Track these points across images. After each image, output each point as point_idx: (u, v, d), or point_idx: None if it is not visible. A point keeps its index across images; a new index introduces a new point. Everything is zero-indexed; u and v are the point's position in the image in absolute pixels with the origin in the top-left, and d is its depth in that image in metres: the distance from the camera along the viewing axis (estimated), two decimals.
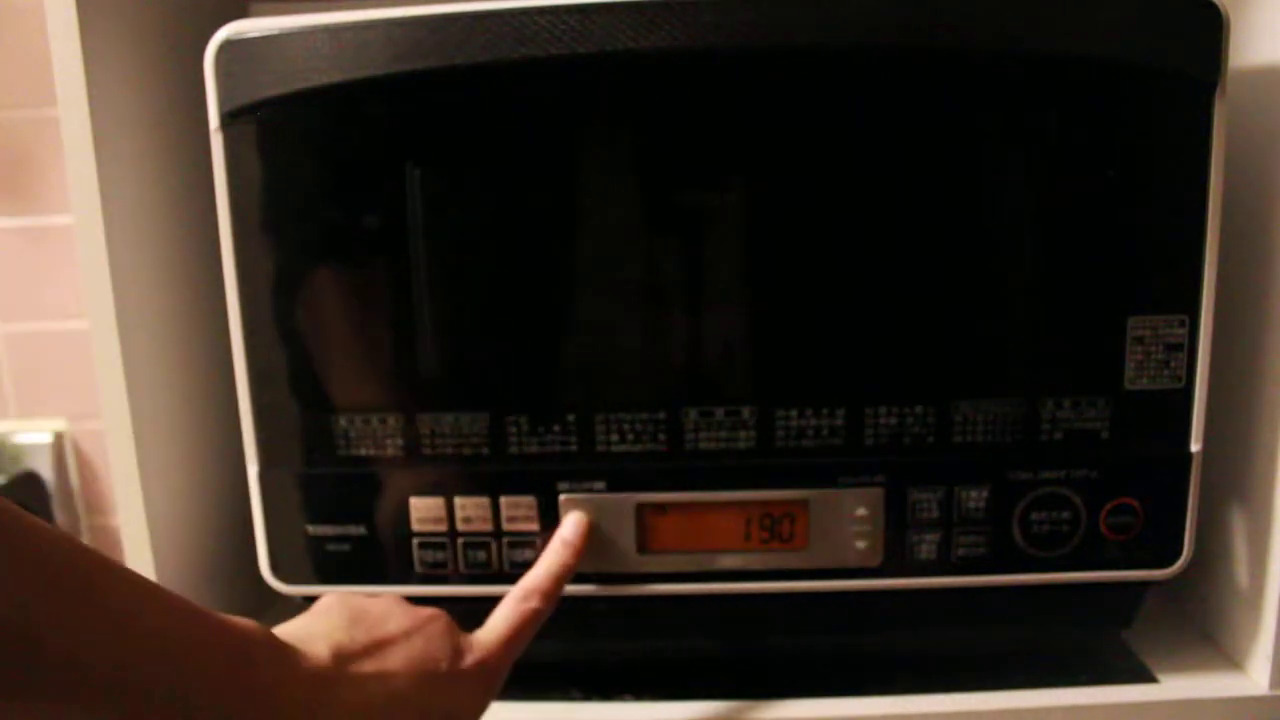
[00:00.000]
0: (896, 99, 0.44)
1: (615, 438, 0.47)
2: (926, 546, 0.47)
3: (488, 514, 0.48)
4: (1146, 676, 0.50)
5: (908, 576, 0.48)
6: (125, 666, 0.28)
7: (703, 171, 0.45)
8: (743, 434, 0.46)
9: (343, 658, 0.35)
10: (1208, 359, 0.45)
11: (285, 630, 0.36)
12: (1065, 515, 0.47)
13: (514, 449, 0.47)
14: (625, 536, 0.47)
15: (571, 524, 0.47)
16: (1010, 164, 0.45)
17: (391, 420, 0.47)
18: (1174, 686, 0.50)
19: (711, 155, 0.45)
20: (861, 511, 0.47)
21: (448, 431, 0.47)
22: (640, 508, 0.47)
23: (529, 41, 0.43)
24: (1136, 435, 0.46)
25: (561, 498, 0.47)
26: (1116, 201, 0.44)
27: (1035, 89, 0.44)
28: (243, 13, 0.64)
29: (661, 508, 0.47)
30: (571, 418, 0.47)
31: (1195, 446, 0.46)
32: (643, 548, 0.48)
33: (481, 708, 0.40)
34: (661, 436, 0.47)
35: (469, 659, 0.39)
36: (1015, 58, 0.43)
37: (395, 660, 0.36)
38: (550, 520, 0.47)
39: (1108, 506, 0.47)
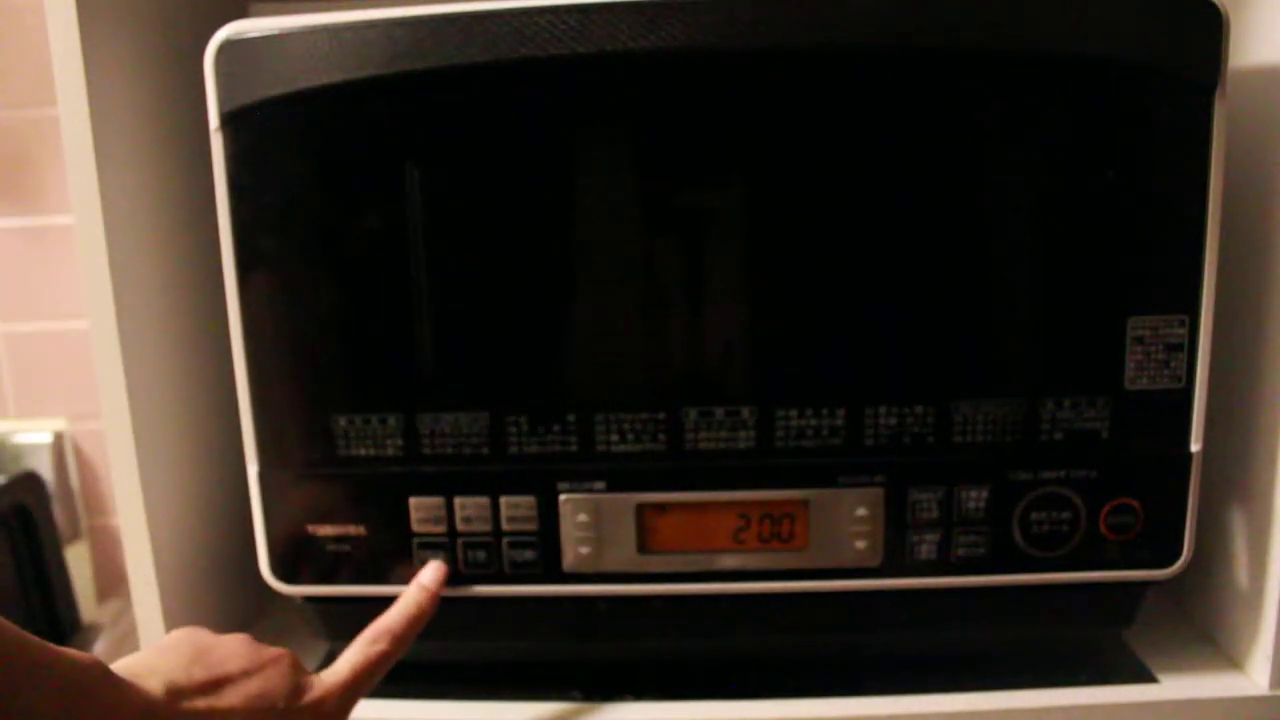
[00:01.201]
0: (896, 99, 0.44)
1: (615, 438, 0.47)
2: (926, 546, 0.47)
3: (487, 514, 0.48)
4: (1146, 676, 0.50)
5: (908, 576, 0.48)
6: None
7: (703, 172, 0.45)
8: (742, 434, 0.46)
9: (177, 694, 0.35)
10: (1208, 359, 0.45)
11: (124, 665, 0.36)
12: (1065, 515, 0.47)
13: (514, 449, 0.47)
14: (625, 536, 0.47)
15: (431, 571, 0.47)
16: (1010, 164, 0.45)
17: (391, 420, 0.47)
18: (1174, 686, 0.50)
19: (711, 155, 0.45)
20: (861, 511, 0.47)
21: (448, 431, 0.47)
22: (640, 508, 0.47)
23: (529, 41, 0.43)
24: (1136, 435, 0.46)
25: (561, 498, 0.47)
26: (1116, 201, 0.44)
27: (1035, 89, 0.44)
28: (243, 13, 0.64)
29: (662, 508, 0.47)
30: (571, 418, 0.47)
31: (1195, 446, 0.46)
32: (643, 548, 0.48)
33: None
34: (661, 436, 0.47)
35: (307, 699, 0.40)
36: (1015, 58, 0.43)
37: (230, 699, 0.37)
38: (550, 520, 0.47)
39: (1108, 506, 0.47)
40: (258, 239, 0.46)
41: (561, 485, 0.47)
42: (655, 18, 0.42)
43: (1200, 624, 0.55)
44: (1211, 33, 0.42)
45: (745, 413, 0.46)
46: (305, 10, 0.44)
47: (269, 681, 0.39)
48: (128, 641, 0.72)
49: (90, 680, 0.33)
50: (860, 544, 0.47)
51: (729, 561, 0.48)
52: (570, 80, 0.44)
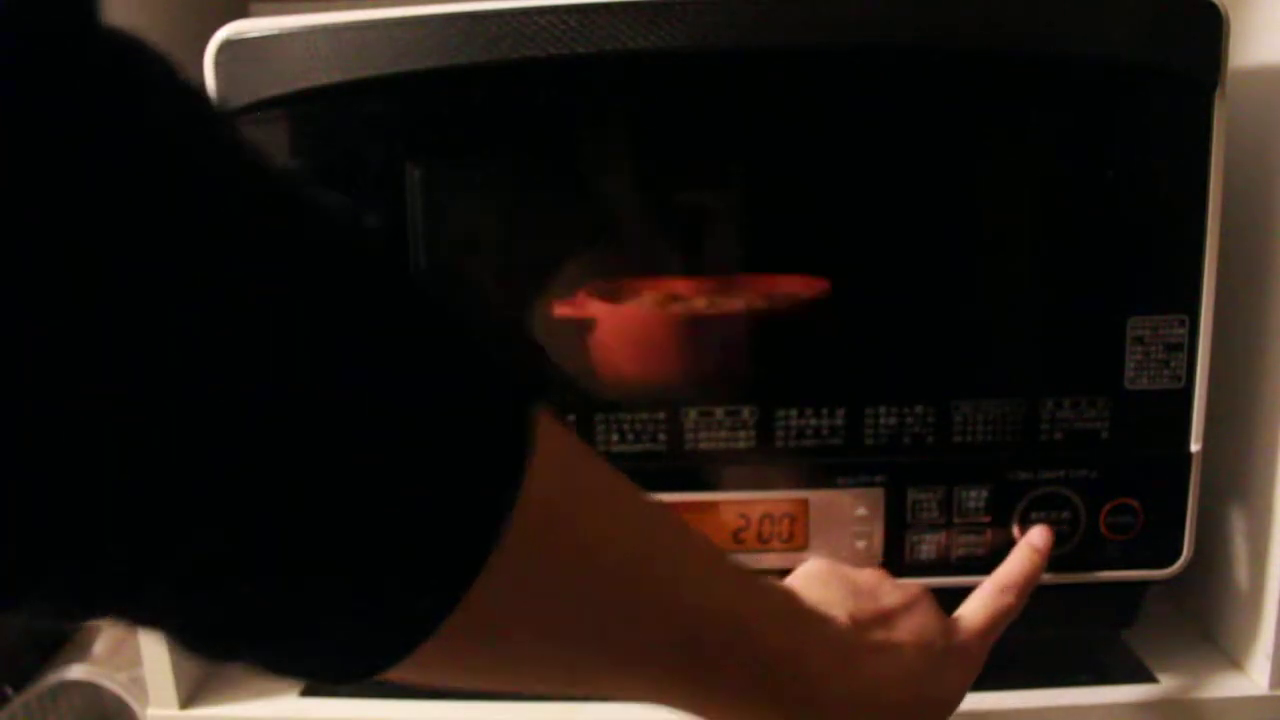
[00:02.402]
0: (896, 99, 0.44)
1: (615, 438, 0.47)
2: (926, 546, 0.47)
3: None
4: (1146, 676, 0.50)
5: (908, 576, 0.48)
6: (692, 616, 0.29)
7: (702, 171, 0.45)
8: (742, 434, 0.46)
9: (857, 627, 0.35)
10: (1208, 359, 0.45)
11: (797, 590, 0.36)
12: (1065, 515, 0.47)
13: None
14: None
15: (1040, 533, 0.46)
16: (1010, 163, 0.45)
17: None
18: (1174, 686, 0.49)
19: (711, 155, 0.45)
20: (861, 511, 0.47)
21: None
22: None
23: (529, 41, 0.43)
24: (1136, 435, 0.46)
25: None
26: (1116, 201, 0.44)
27: (1035, 89, 0.44)
28: (243, 13, 0.64)
29: None
30: (571, 418, 0.46)
31: (1195, 446, 0.46)
32: None
33: (965, 691, 0.39)
34: (661, 436, 0.47)
35: (957, 639, 0.38)
36: (1015, 58, 0.43)
37: (900, 634, 0.36)
38: None
39: (1108, 506, 0.47)
40: None
41: None
42: (655, 18, 0.42)
43: (1200, 624, 0.55)
44: (1211, 33, 0.42)
45: (745, 413, 0.46)
46: (305, 10, 0.44)
47: (924, 617, 0.38)
48: (128, 640, 0.72)
49: (787, 613, 0.33)
50: (860, 544, 0.47)
51: None
52: (570, 80, 0.44)
